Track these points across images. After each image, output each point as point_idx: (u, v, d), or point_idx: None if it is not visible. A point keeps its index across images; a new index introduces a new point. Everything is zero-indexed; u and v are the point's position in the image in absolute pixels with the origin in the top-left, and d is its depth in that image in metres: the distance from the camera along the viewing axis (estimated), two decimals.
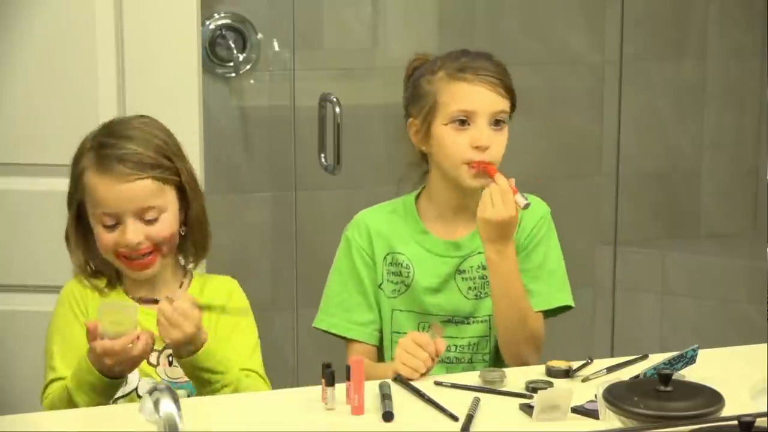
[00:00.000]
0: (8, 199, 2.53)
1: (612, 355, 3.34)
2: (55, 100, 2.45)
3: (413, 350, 2.02)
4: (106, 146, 2.12)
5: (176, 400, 1.58)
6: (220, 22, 3.49)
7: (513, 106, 2.23)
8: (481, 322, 2.25)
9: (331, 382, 1.91)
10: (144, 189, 2.10)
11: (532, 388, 1.96)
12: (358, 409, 1.88)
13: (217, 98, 3.46)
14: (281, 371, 3.49)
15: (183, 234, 2.18)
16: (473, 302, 2.25)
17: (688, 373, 1.99)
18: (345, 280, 2.28)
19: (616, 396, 1.76)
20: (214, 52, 3.49)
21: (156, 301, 2.06)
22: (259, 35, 3.53)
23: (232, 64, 3.49)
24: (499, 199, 2.09)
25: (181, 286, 2.20)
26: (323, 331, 2.30)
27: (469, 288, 2.24)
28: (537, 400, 1.86)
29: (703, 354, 2.09)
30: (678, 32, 3.98)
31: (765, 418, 1.64)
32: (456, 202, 2.23)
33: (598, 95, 3.89)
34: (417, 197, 2.29)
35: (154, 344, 2.02)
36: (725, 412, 1.74)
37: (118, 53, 2.42)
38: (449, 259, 2.24)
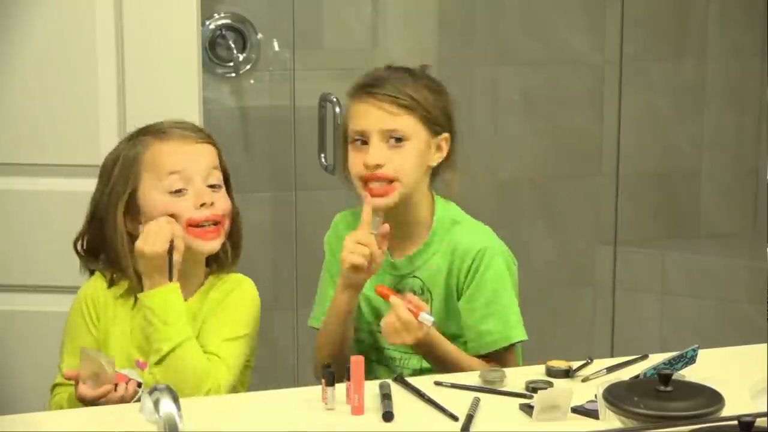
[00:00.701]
0: (8, 199, 2.53)
1: (612, 355, 3.34)
2: (55, 100, 2.45)
3: (355, 248, 2.10)
4: (156, 126, 2.16)
5: (176, 400, 1.59)
6: (220, 22, 3.49)
7: (435, 124, 2.21)
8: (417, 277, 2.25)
9: (331, 382, 1.91)
10: (208, 151, 2.15)
11: (532, 388, 1.96)
12: (358, 409, 1.88)
13: (217, 98, 3.46)
14: (281, 371, 3.49)
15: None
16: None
17: (688, 373, 1.99)
18: (323, 278, 2.34)
19: (616, 396, 1.76)
20: (214, 52, 3.49)
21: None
22: (259, 35, 3.53)
23: (232, 64, 3.49)
24: (402, 328, 2.08)
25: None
26: (317, 329, 2.32)
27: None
28: (537, 400, 1.86)
29: (703, 354, 2.09)
30: (678, 32, 3.98)
31: (765, 418, 1.65)
32: (391, 222, 2.18)
33: (598, 95, 3.89)
34: None
35: (137, 391, 2.00)
36: (725, 412, 1.74)
37: (118, 53, 2.42)
38: (388, 275, 2.24)
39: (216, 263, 2.23)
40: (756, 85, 4.01)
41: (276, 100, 3.56)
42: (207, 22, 3.45)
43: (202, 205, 2.12)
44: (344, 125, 2.24)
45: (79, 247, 2.19)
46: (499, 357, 2.21)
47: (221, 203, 2.16)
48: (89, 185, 2.29)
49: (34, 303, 2.49)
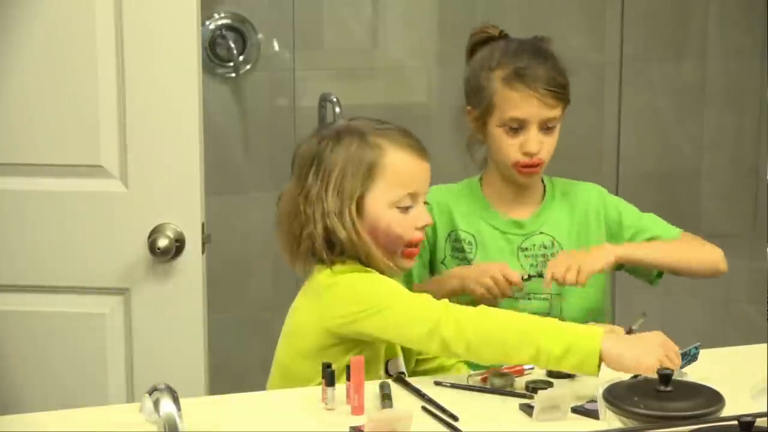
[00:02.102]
0: (8, 199, 2.52)
1: None
2: (55, 100, 2.45)
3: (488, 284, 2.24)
4: (388, 131, 2.14)
5: (176, 400, 1.59)
6: (220, 22, 3.49)
7: (567, 102, 2.36)
8: (543, 299, 2.34)
9: (331, 382, 1.91)
10: (429, 170, 2.16)
11: (532, 388, 1.96)
12: (358, 409, 1.88)
13: (217, 98, 3.46)
14: None
15: None
16: (534, 279, 2.31)
17: (688, 373, 1.99)
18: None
19: (616, 396, 1.76)
20: (214, 52, 3.49)
21: None
22: (259, 35, 3.53)
23: (232, 64, 3.49)
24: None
25: None
26: None
27: (531, 265, 2.34)
28: (537, 400, 1.86)
29: (703, 354, 2.09)
30: (678, 32, 3.98)
31: (765, 418, 1.64)
32: (517, 190, 2.37)
33: (598, 95, 3.89)
34: (480, 179, 2.41)
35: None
36: (725, 412, 1.74)
37: (118, 53, 2.42)
38: (512, 236, 2.36)
39: None
40: (756, 85, 4.01)
41: (276, 100, 3.56)
42: (207, 22, 3.45)
43: (420, 228, 2.12)
44: (489, 105, 2.30)
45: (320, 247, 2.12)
46: None
47: (430, 223, 2.18)
48: (89, 185, 2.30)
49: (34, 303, 2.49)
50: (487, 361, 1.98)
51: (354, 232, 2.07)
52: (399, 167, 2.09)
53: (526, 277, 2.27)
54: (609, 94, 3.87)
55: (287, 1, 3.48)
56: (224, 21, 3.50)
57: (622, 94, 3.83)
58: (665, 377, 1.76)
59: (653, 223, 2.46)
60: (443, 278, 2.33)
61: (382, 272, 2.08)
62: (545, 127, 2.31)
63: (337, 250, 2.09)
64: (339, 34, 3.65)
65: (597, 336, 1.92)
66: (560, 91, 2.32)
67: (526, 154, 2.29)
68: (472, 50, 2.41)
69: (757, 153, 4.07)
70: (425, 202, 2.14)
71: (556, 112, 2.32)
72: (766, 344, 2.14)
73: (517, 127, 2.29)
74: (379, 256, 2.08)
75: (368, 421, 1.74)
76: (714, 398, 1.76)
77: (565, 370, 1.95)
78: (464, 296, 2.28)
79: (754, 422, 1.59)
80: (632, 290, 3.90)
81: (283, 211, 2.21)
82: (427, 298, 2.02)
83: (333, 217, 2.08)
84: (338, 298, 2.05)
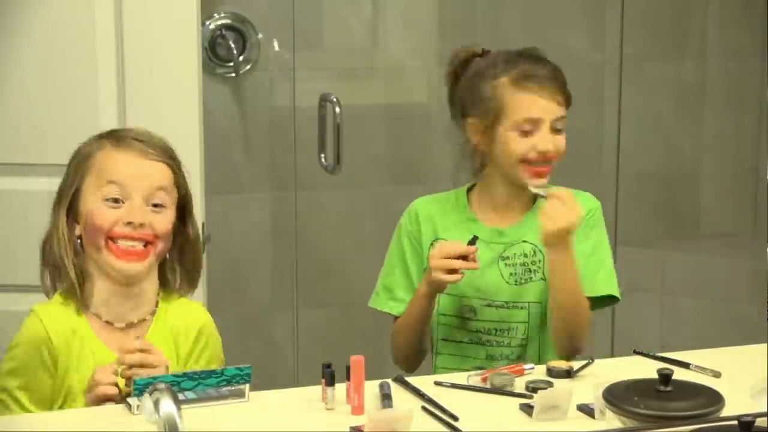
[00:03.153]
0: (8, 199, 2.53)
1: (612, 355, 3.35)
2: (55, 101, 2.45)
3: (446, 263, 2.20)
4: (121, 132, 2.12)
5: (176, 400, 1.58)
6: (220, 22, 3.49)
7: (570, 101, 2.37)
8: (521, 308, 2.32)
9: (331, 382, 1.91)
10: (160, 170, 2.07)
11: (532, 388, 1.96)
12: (358, 409, 1.88)
13: (217, 98, 3.46)
14: (281, 371, 3.49)
15: (172, 258, 2.13)
16: (513, 288, 2.31)
17: (689, 373, 2.00)
18: (393, 263, 2.40)
19: (616, 396, 1.76)
20: (214, 52, 3.49)
21: None
22: (259, 35, 3.53)
23: (232, 64, 3.49)
24: (561, 209, 2.21)
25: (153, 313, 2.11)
26: (378, 309, 2.41)
27: (511, 274, 2.32)
28: (537, 400, 1.86)
29: (703, 354, 2.10)
30: (678, 32, 3.98)
31: (765, 418, 1.64)
32: (510, 196, 2.35)
33: (598, 95, 3.89)
34: (469, 190, 2.40)
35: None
36: (725, 412, 1.74)
37: (118, 53, 2.42)
38: (494, 245, 2.33)
39: (162, 284, 2.14)
40: (756, 85, 4.01)
41: (276, 100, 3.56)
42: (207, 22, 3.45)
43: (129, 223, 2.03)
44: (500, 112, 2.29)
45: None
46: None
47: (158, 224, 2.05)
48: None
49: (34, 303, 2.48)
50: None
51: (59, 238, 2.05)
52: (105, 160, 2.05)
53: (471, 239, 2.25)
54: (609, 93, 3.86)
55: (287, 1, 3.48)
56: (224, 21, 3.50)
57: (622, 94, 3.83)
58: (665, 377, 1.76)
59: (595, 266, 2.34)
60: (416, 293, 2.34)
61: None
62: (555, 129, 2.31)
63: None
64: (339, 34, 3.65)
65: None
66: (565, 90, 2.34)
67: (541, 152, 2.30)
68: (455, 71, 2.39)
69: (757, 153, 4.07)
70: (156, 205, 2.05)
71: (564, 111, 2.33)
72: (766, 344, 2.14)
73: (530, 128, 2.29)
74: (90, 254, 2.05)
75: (368, 421, 1.74)
76: (714, 398, 1.76)
77: None
78: (453, 299, 2.32)
79: (754, 422, 1.59)
80: (632, 290, 3.90)
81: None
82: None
83: (53, 225, 2.08)
84: None
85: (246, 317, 3.60)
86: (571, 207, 2.22)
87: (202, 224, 2.46)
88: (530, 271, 2.32)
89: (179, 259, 2.14)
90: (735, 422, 1.60)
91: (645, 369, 1.96)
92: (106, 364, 1.98)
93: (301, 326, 3.52)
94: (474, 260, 2.22)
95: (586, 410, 1.87)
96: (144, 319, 2.09)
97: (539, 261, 2.32)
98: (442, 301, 2.33)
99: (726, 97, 4.03)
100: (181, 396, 1.83)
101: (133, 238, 2.04)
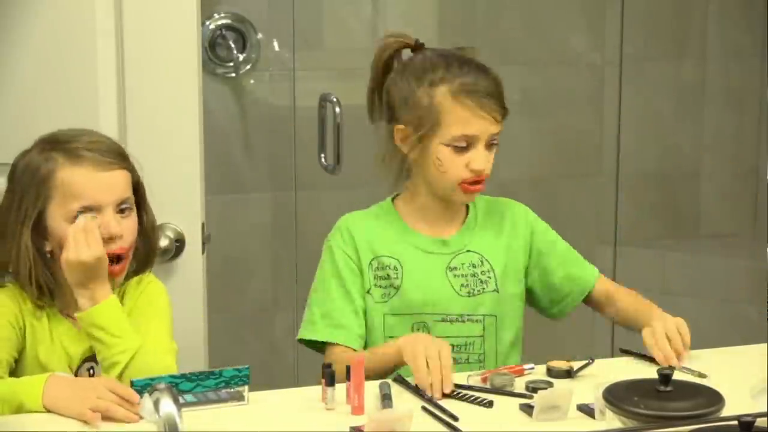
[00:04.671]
0: None
1: (612, 355, 3.35)
2: (55, 101, 2.45)
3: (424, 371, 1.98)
4: (69, 142, 2.07)
5: (176, 400, 1.58)
6: (220, 22, 3.49)
7: (506, 117, 2.23)
8: (476, 321, 2.22)
9: (331, 382, 1.91)
10: (122, 178, 2.06)
11: (532, 388, 1.96)
12: (358, 409, 1.88)
13: (217, 98, 3.46)
14: (281, 371, 3.49)
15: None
16: (466, 300, 2.21)
17: (688, 374, 1.99)
18: (329, 288, 2.23)
19: (616, 396, 1.76)
20: (214, 52, 3.49)
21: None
22: (259, 35, 3.53)
23: (232, 64, 3.49)
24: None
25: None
26: (306, 343, 2.23)
27: (462, 285, 2.22)
28: (537, 400, 1.86)
29: (703, 354, 2.10)
30: (678, 32, 3.99)
31: (765, 418, 1.64)
32: (442, 206, 2.24)
33: (598, 95, 3.89)
34: (393, 200, 2.29)
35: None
36: (725, 412, 1.74)
37: (118, 53, 2.42)
38: (439, 255, 2.23)
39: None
40: (756, 85, 4.02)
41: (276, 100, 3.56)
42: (207, 22, 3.45)
43: (110, 238, 2.03)
44: (435, 124, 2.15)
45: None
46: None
47: (128, 232, 2.06)
48: None
49: None
50: None
51: (18, 252, 2.02)
52: (68, 181, 2.02)
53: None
54: (609, 94, 3.87)
55: (287, 1, 3.48)
56: (224, 21, 3.50)
57: (622, 94, 3.83)
58: (665, 377, 1.76)
59: (575, 257, 2.35)
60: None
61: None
62: (490, 144, 2.18)
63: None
64: (339, 34, 3.65)
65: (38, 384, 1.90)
66: (503, 107, 2.19)
67: (474, 171, 2.16)
68: (386, 64, 2.25)
69: (757, 153, 4.07)
70: (122, 209, 2.05)
71: (500, 128, 2.19)
72: (766, 344, 2.14)
73: (465, 145, 2.15)
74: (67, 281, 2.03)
75: (368, 421, 1.74)
76: (714, 398, 1.76)
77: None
78: (403, 319, 2.21)
79: (754, 422, 1.59)
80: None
81: None
82: None
83: (9, 234, 2.04)
84: None
85: (246, 317, 3.60)
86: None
87: (202, 224, 2.47)
88: (481, 281, 2.22)
89: (138, 246, 2.12)
90: (735, 422, 1.60)
91: (645, 369, 1.96)
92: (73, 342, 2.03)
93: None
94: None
95: (586, 410, 1.87)
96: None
97: (488, 271, 2.23)
98: (391, 324, 2.21)
99: (726, 97, 4.03)
100: (180, 399, 1.83)
101: (113, 253, 2.04)
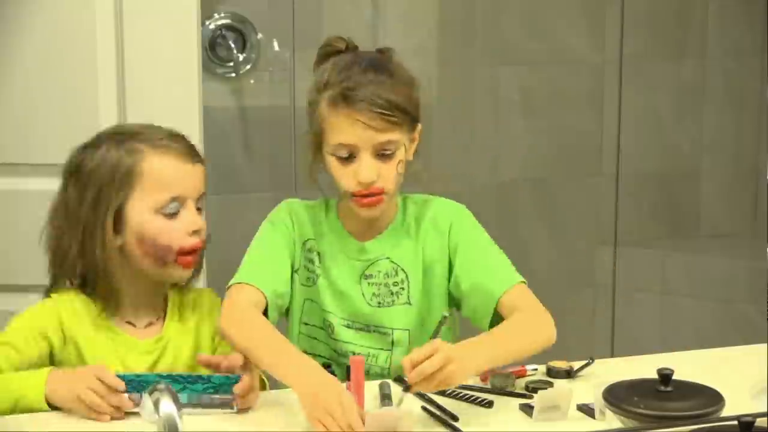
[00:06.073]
0: (8, 199, 2.53)
1: (612, 355, 3.35)
2: (55, 101, 2.45)
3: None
4: (148, 134, 2.04)
5: (176, 400, 1.58)
6: (220, 22, 3.49)
7: (414, 120, 2.07)
8: (383, 333, 2.12)
9: None
10: (202, 172, 2.08)
11: (532, 388, 1.97)
12: None
13: (217, 98, 3.46)
14: None
15: None
16: (375, 310, 2.11)
17: (689, 374, 1.99)
18: (263, 253, 2.14)
19: (616, 396, 1.76)
20: (214, 52, 3.49)
21: None
22: (259, 35, 3.53)
23: (232, 64, 3.49)
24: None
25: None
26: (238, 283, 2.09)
27: (373, 294, 2.11)
28: (537, 400, 1.86)
29: (703, 354, 2.10)
30: (678, 32, 3.99)
31: (765, 418, 1.64)
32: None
33: (598, 95, 3.89)
34: (341, 199, 2.15)
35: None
36: (725, 412, 1.74)
37: (118, 53, 2.42)
38: (356, 261, 2.12)
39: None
40: (756, 85, 4.02)
41: (276, 100, 3.56)
42: (207, 22, 3.45)
43: (194, 232, 2.04)
44: (319, 130, 2.05)
45: (58, 257, 2.05)
46: (515, 305, 2.04)
47: (204, 227, 2.07)
48: None
49: (32, 303, 2.48)
50: None
51: (103, 247, 2.00)
52: (158, 171, 2.00)
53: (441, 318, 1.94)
54: (609, 93, 3.87)
55: (287, 1, 3.48)
56: (224, 21, 3.50)
57: (622, 94, 3.83)
58: (665, 377, 1.76)
59: (490, 263, 2.09)
60: None
61: (156, 285, 2.06)
62: (380, 153, 2.01)
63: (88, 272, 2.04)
64: (339, 34, 3.65)
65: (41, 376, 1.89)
66: (390, 114, 2.00)
67: (362, 183, 2.01)
68: (317, 66, 2.14)
69: (757, 153, 4.07)
70: (198, 208, 2.05)
71: (390, 136, 2.00)
72: (766, 344, 2.14)
73: (347, 154, 2.02)
74: (147, 266, 2.02)
75: (368, 421, 1.74)
76: (714, 398, 1.76)
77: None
78: (316, 306, 2.12)
79: (754, 422, 1.59)
80: (632, 290, 3.90)
81: (47, 227, 2.07)
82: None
83: (87, 232, 2.01)
84: None
85: None
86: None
87: None
88: (392, 293, 2.11)
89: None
90: (735, 422, 1.60)
91: (645, 369, 1.96)
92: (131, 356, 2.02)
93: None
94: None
95: (586, 410, 1.87)
96: (159, 317, 2.09)
97: (401, 282, 2.11)
98: (308, 310, 2.14)
99: (726, 97, 4.03)
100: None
101: (196, 248, 2.05)
